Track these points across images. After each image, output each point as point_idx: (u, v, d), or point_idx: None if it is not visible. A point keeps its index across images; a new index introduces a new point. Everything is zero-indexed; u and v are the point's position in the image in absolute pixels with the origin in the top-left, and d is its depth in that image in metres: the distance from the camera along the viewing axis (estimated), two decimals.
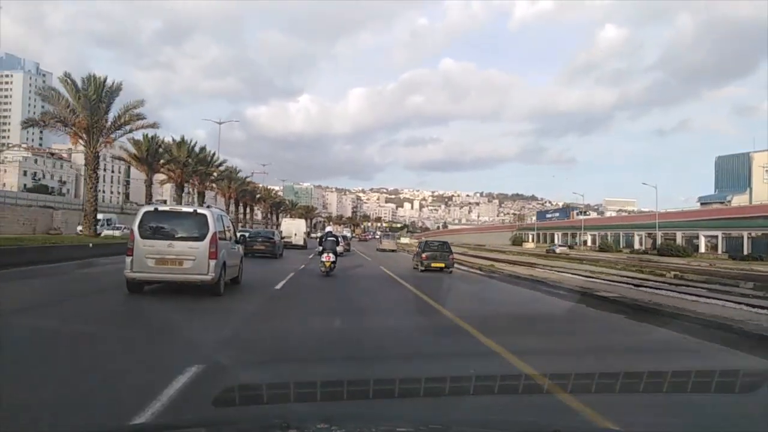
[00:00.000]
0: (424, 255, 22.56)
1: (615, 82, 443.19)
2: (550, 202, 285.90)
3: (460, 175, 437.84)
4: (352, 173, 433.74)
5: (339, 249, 27.77)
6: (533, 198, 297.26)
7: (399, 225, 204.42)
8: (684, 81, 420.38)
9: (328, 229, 21.00)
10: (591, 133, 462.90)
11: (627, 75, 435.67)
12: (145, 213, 10.38)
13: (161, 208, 10.89)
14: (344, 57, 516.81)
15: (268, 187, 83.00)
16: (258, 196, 76.72)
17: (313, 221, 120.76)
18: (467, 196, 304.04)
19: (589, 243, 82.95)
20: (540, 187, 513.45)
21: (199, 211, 10.56)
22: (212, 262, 10.14)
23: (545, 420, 3.59)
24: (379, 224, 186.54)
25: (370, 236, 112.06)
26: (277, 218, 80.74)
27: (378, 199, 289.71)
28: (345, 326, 8.38)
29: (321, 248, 16.87)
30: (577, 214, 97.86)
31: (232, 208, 64.06)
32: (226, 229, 11.52)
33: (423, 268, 21.99)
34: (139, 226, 10.16)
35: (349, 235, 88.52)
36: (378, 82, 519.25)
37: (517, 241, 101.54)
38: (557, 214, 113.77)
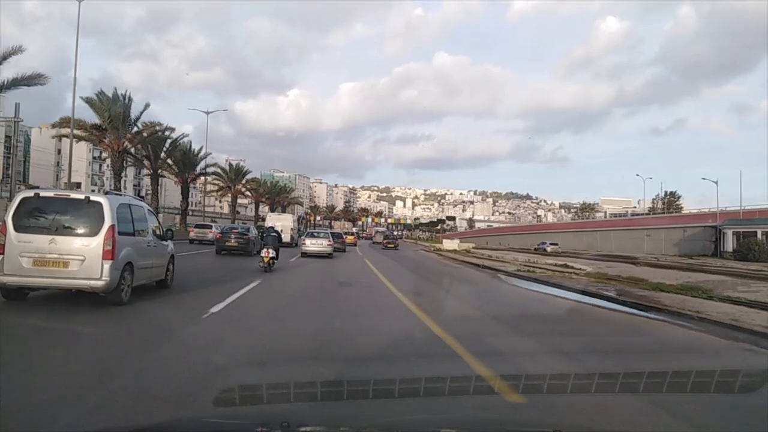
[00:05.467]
0: (384, 241, 49.44)
1: (612, 78, 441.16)
2: (545, 201, 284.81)
3: (452, 173, 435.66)
4: (342, 170, 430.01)
5: (328, 248, 26.01)
6: (528, 197, 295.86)
7: (413, 222, 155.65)
8: (684, 77, 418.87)
9: (269, 224, 20.99)
10: (586, 131, 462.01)
11: (625, 70, 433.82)
12: (23, 199, 8.13)
13: (44, 193, 8.63)
14: (336, 49, 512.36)
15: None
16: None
17: (288, 208, 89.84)
18: (461, 194, 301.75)
19: None
20: (533, 186, 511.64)
21: (93, 198, 8.27)
22: (107, 264, 7.96)
23: (549, 420, 3.69)
24: (383, 220, 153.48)
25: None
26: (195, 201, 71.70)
27: (369, 197, 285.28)
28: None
29: (263, 243, 17.19)
30: None
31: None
32: (137, 220, 9.30)
33: (383, 247, 44.88)
34: (14, 217, 7.97)
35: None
36: (370, 76, 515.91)
37: (742, 251, 43.18)
38: None
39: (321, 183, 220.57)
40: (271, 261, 16.58)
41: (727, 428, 4.13)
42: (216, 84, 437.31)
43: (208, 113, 54.07)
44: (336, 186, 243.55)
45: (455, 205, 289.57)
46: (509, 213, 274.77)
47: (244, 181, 68.17)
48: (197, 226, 36.09)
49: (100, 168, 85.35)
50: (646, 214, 78.64)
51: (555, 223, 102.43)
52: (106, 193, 9.14)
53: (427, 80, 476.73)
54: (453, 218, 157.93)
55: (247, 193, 74.90)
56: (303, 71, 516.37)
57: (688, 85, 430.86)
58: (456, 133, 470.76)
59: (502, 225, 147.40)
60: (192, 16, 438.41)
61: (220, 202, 68.66)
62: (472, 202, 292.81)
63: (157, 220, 10.73)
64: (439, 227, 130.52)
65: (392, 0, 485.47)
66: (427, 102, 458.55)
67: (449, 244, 53.11)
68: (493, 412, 3.88)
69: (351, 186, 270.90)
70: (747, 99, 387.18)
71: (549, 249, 57.58)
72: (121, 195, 9.67)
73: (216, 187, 67.07)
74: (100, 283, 7.91)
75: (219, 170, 61.34)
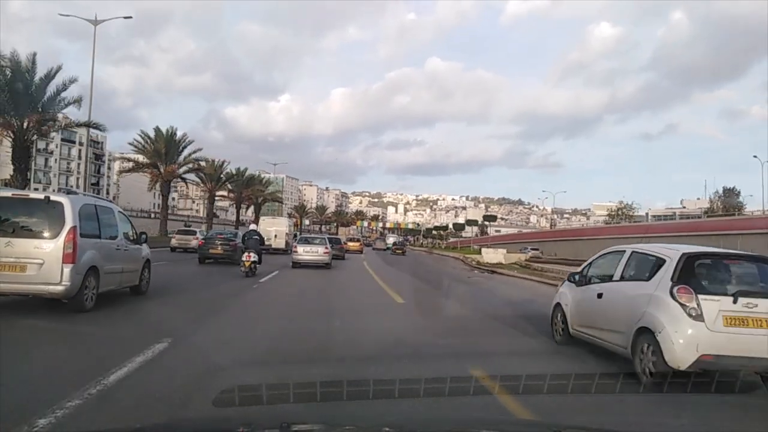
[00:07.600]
0: (393, 247, 51.28)
1: (605, 84, 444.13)
2: (537, 207, 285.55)
3: (444, 179, 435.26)
4: (333, 176, 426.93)
5: (325, 257, 22.24)
6: (519, 202, 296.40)
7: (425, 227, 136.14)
8: (676, 82, 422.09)
9: (252, 227, 19.90)
10: (577, 137, 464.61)
11: (618, 76, 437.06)
12: None
13: (1, 193, 8.20)
14: (329, 53, 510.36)
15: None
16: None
17: (264, 206, 71.03)
18: (453, 200, 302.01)
19: None
20: (524, 191, 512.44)
21: (54, 198, 7.73)
22: (68, 268, 7.43)
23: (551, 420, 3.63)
24: (380, 224, 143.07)
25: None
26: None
27: (360, 202, 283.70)
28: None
29: (244, 246, 17.00)
30: None
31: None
32: (104, 222, 8.78)
33: (392, 252, 47.03)
34: None
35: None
36: (363, 81, 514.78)
37: None
38: None
39: (311, 185, 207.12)
40: (252, 265, 16.19)
41: (728, 428, 4.07)
42: (206, 89, 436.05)
43: (95, 23, 30.57)
44: (327, 189, 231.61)
45: (447, 211, 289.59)
46: (502, 218, 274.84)
47: (182, 159, 42.89)
48: (179, 232, 32.77)
49: (45, 163, 72.83)
50: (708, 216, 53.38)
51: (614, 226, 61.40)
52: (68, 192, 8.67)
53: (420, 85, 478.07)
54: (494, 217, 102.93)
55: (192, 177, 49.41)
56: (295, 76, 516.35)
57: (680, 90, 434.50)
58: (448, 139, 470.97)
59: (534, 230, 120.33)
60: (182, 19, 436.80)
61: (194, 202, 60.64)
62: (464, 208, 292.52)
63: (130, 222, 10.24)
64: (467, 230, 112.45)
65: (386, 2, 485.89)
66: (419, 107, 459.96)
67: (491, 256, 38.71)
68: (494, 413, 3.84)
69: (342, 192, 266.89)
70: (739, 104, 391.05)
71: (530, 254, 47.35)
72: (85, 194, 9.19)
73: (134, 165, 44.43)
74: (59, 288, 7.40)
75: (139, 137, 42.20)
